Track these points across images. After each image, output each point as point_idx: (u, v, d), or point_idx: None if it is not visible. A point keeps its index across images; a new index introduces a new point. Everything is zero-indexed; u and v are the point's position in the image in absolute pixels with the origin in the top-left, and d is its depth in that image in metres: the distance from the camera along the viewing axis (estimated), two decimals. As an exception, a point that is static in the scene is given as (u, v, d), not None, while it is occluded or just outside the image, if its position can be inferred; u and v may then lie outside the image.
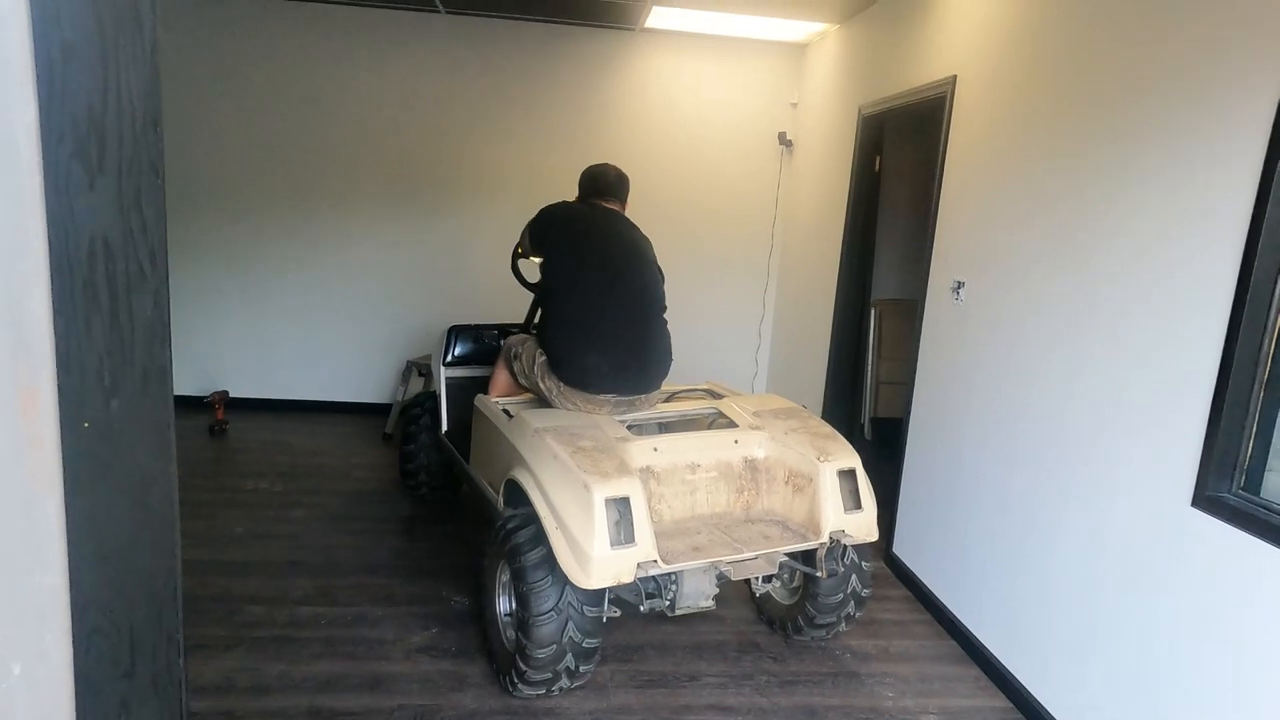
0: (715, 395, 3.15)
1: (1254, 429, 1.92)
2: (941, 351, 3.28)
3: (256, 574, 3.27)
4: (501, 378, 3.21)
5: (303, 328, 5.54)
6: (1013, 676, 2.67)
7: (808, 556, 2.61)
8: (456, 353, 3.67)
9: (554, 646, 2.30)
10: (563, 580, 2.27)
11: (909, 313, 5.10)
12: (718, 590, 2.50)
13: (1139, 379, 2.20)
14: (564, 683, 2.41)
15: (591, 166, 3.09)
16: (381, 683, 2.61)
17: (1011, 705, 2.66)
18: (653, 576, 2.35)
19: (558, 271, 2.89)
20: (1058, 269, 2.56)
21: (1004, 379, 2.82)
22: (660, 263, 3.03)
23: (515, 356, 3.06)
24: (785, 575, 2.91)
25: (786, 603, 2.94)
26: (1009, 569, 2.74)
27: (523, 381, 3.03)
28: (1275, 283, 1.87)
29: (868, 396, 4.95)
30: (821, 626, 2.79)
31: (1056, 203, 2.58)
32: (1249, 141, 1.89)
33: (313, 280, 5.48)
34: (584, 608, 2.32)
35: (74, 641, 0.70)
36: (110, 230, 0.73)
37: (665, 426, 2.95)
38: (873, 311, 4.89)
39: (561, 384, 2.81)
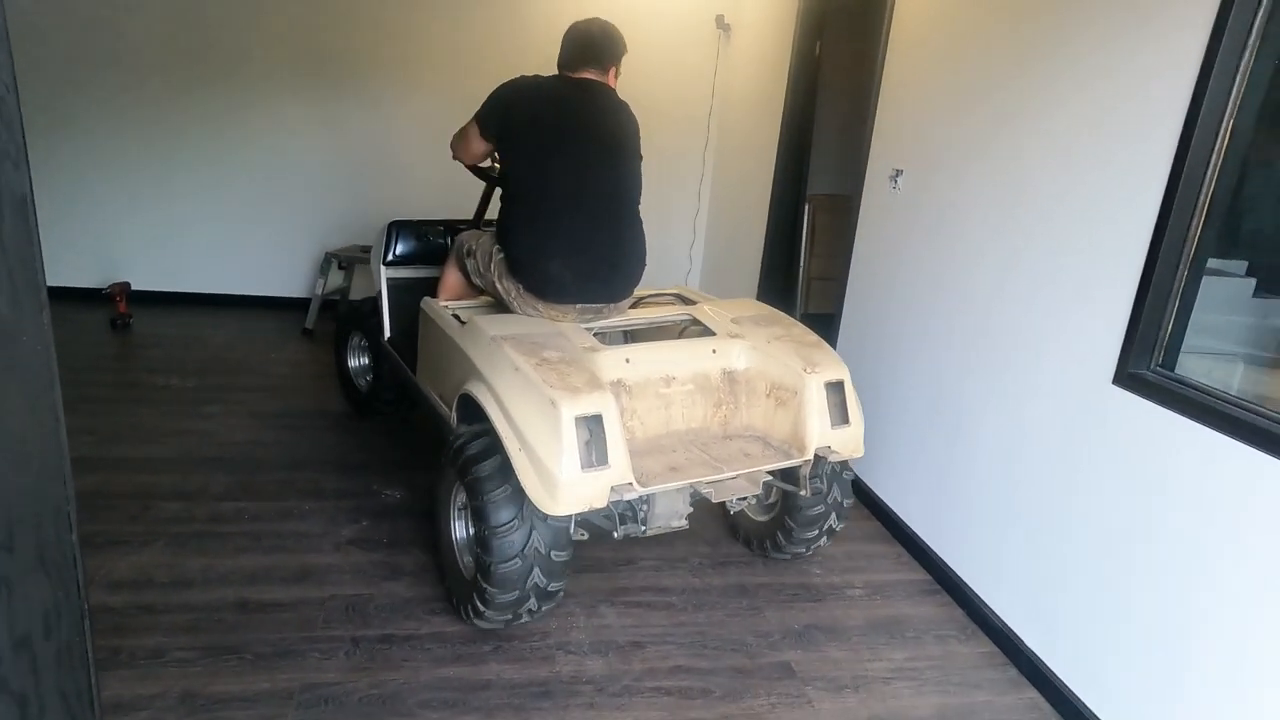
0: (686, 301, 2.89)
1: (1175, 309, 1.98)
2: (877, 242, 3.27)
3: (171, 470, 3.13)
4: (452, 278, 2.88)
5: (212, 217, 5.17)
6: (933, 552, 2.81)
7: (789, 473, 2.44)
8: (398, 251, 3.33)
9: (517, 561, 2.09)
10: (523, 493, 2.06)
11: (841, 208, 5.06)
12: (691, 509, 2.31)
13: (1071, 263, 2.23)
14: (532, 604, 2.19)
15: (577, 23, 2.58)
16: (312, 574, 2.55)
17: (930, 578, 2.80)
18: (627, 501, 2.13)
19: (519, 162, 2.52)
20: (997, 154, 2.53)
21: (939, 267, 2.83)
22: None
23: (469, 254, 2.74)
24: (762, 492, 2.73)
25: (762, 519, 2.78)
26: (935, 452, 2.83)
27: (477, 281, 2.74)
28: (1207, 166, 1.88)
29: (800, 293, 4.97)
30: (801, 543, 2.67)
31: (998, 88, 2.54)
32: (1192, 24, 1.86)
33: (222, 165, 5.08)
34: (551, 547, 2.13)
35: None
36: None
37: (632, 334, 2.72)
38: (806, 207, 4.85)
39: (520, 287, 2.52)
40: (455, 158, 2.78)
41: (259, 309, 5.32)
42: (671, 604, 2.57)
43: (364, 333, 3.59)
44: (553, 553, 2.12)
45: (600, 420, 2.00)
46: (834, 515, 2.61)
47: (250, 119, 5.00)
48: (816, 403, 2.33)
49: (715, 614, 2.54)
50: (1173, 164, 1.91)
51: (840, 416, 2.36)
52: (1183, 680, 1.85)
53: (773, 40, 4.47)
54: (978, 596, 2.57)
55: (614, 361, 2.30)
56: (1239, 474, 1.72)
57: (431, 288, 2.98)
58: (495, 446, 2.13)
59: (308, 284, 5.32)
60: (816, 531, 2.62)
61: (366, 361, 3.70)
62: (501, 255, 2.55)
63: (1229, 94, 1.83)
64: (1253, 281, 2.25)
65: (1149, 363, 2.01)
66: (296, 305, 5.24)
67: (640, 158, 2.63)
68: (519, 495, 2.06)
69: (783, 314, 2.71)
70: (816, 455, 2.32)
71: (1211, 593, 1.78)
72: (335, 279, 4.99)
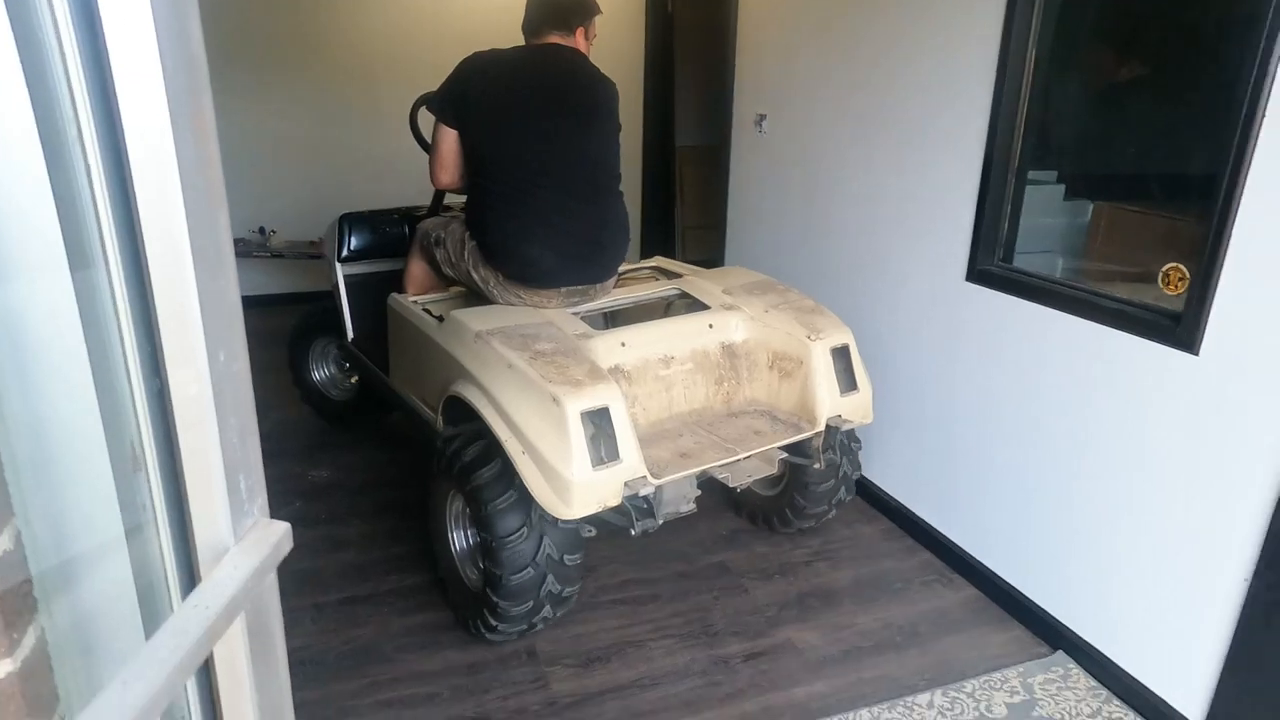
0: (670, 274, 2.77)
1: (1009, 212, 2.36)
2: (750, 185, 3.56)
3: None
4: (418, 270, 2.69)
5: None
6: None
7: (799, 445, 2.31)
8: (353, 246, 3.12)
9: (529, 570, 2.00)
10: (529, 497, 1.97)
11: (707, 157, 5.36)
12: (699, 492, 2.18)
13: (924, 183, 2.58)
14: (546, 612, 2.10)
15: None
16: (257, 556, 2.58)
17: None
18: (642, 495, 1.97)
19: (484, 143, 2.33)
20: (850, 89, 2.85)
21: (809, 199, 3.15)
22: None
23: (436, 243, 2.54)
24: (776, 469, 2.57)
25: (770, 494, 2.73)
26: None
27: (448, 272, 2.56)
28: (1019, 90, 2.25)
29: (677, 242, 5.24)
30: (812, 516, 2.64)
31: (844, 29, 2.84)
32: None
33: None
34: (564, 552, 2.05)
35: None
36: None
37: (613, 315, 2.58)
38: (675, 159, 5.10)
39: (500, 275, 2.35)
40: (441, 185, 2.51)
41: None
42: (613, 530, 2.78)
43: (336, 337, 3.35)
44: (566, 557, 2.04)
45: (607, 413, 1.89)
46: (843, 488, 2.60)
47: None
48: (823, 370, 2.24)
49: (653, 534, 2.77)
50: (994, 89, 2.27)
51: (848, 383, 2.29)
52: (1040, 518, 2.27)
53: (624, 1, 4.65)
54: (872, 483, 2.95)
55: (610, 347, 2.19)
56: (1066, 337, 2.13)
57: (392, 282, 2.82)
58: (493, 450, 2.02)
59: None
60: (826, 505, 2.60)
61: (334, 371, 3.54)
62: (475, 242, 2.39)
63: (1029, 30, 2.18)
64: (1062, 187, 2.69)
65: (993, 259, 2.39)
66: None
67: (619, 126, 2.48)
68: (525, 500, 1.96)
69: (774, 280, 2.63)
70: (828, 425, 2.24)
71: (1051, 438, 2.20)
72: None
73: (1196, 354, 1.79)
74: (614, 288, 2.57)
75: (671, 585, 2.51)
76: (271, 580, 0.67)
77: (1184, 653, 1.90)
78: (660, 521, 2.07)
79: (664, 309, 2.58)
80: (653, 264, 2.88)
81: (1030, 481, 2.29)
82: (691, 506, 2.13)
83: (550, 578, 2.02)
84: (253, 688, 0.61)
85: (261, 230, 4.60)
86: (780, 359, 2.33)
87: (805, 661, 2.22)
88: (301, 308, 3.56)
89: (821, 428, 2.24)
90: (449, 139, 2.37)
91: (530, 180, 2.30)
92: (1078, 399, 2.12)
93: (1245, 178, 1.66)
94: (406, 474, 3.16)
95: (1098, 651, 2.12)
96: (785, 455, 2.29)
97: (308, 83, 4.90)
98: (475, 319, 2.21)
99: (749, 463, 2.17)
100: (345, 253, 3.13)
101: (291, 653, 2.16)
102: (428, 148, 2.53)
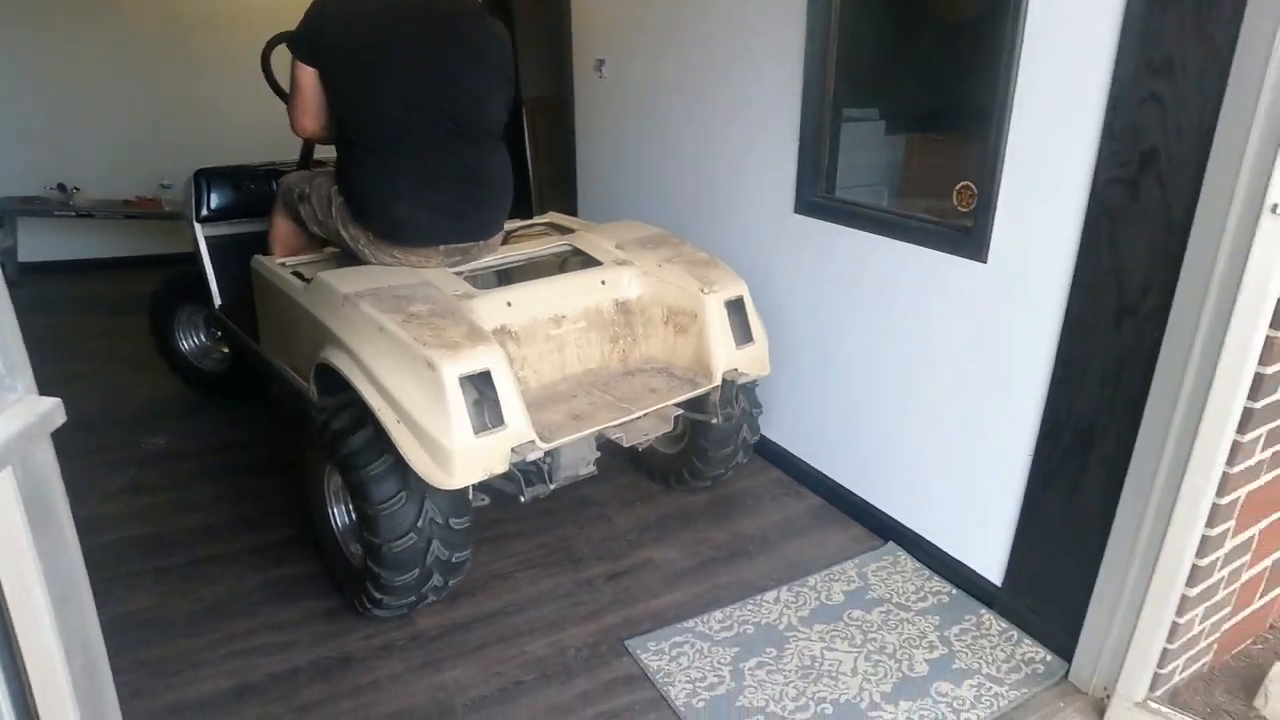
0: (562, 229, 2.67)
1: (828, 147, 2.53)
2: (595, 132, 3.60)
3: None
4: (283, 229, 2.52)
5: None
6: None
7: (697, 401, 2.26)
8: (213, 205, 2.92)
9: (411, 536, 1.90)
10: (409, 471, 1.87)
11: (556, 108, 5.36)
12: (599, 454, 2.10)
13: (754, 124, 2.70)
14: (436, 580, 2.01)
15: None
16: (83, 527, 2.42)
17: (685, 409, 3.31)
18: (530, 461, 1.87)
19: (346, 87, 2.12)
20: (683, 32, 2.92)
21: (652, 143, 3.23)
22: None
23: (301, 199, 2.37)
24: (673, 426, 2.51)
25: (672, 451, 2.71)
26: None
27: (316, 230, 2.38)
28: (826, 35, 2.39)
29: (534, 196, 5.22)
30: (719, 464, 2.62)
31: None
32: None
33: None
34: (449, 515, 1.96)
35: None
36: None
37: (506, 274, 2.45)
38: (523, 111, 5.06)
39: (369, 234, 2.19)
40: (306, 132, 2.29)
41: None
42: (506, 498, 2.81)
43: (203, 304, 3.12)
44: (452, 520, 1.95)
45: (489, 376, 1.81)
46: (745, 427, 2.56)
47: None
48: (718, 324, 2.22)
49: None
50: (805, 31, 2.40)
51: (744, 335, 2.26)
52: (867, 424, 2.48)
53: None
54: (724, 411, 3.11)
55: (494, 307, 2.09)
56: (881, 257, 2.32)
57: (261, 243, 2.65)
58: (365, 416, 1.92)
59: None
60: (732, 448, 2.58)
61: (205, 340, 3.31)
62: (342, 198, 2.22)
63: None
64: (884, 123, 2.90)
65: (816, 192, 2.56)
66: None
67: (507, 79, 2.30)
68: (402, 464, 1.86)
69: (668, 233, 2.57)
70: (724, 379, 2.22)
71: (871, 349, 2.41)
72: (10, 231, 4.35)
73: (985, 262, 2.02)
74: (502, 245, 2.45)
75: (536, 521, 2.57)
76: (46, 450, 0.66)
77: (985, 525, 2.16)
78: (553, 486, 1.99)
79: (559, 266, 2.49)
80: (546, 220, 2.79)
81: (855, 391, 2.51)
82: (591, 469, 2.07)
83: (436, 543, 1.93)
84: (35, 556, 0.60)
85: (62, 187, 4.22)
86: (675, 314, 2.30)
87: (664, 575, 2.34)
88: (122, 274, 3.33)
89: (718, 382, 2.21)
90: (309, 78, 2.15)
91: (398, 128, 2.11)
92: (893, 311, 2.33)
93: (1012, 101, 1.87)
94: (254, 435, 3.06)
95: (920, 537, 2.37)
96: (682, 412, 2.26)
97: (112, 28, 4.51)
98: (344, 280, 2.07)
99: (644, 421, 2.14)
100: (205, 212, 2.92)
101: (131, 615, 2.10)
102: (283, 94, 2.31)
